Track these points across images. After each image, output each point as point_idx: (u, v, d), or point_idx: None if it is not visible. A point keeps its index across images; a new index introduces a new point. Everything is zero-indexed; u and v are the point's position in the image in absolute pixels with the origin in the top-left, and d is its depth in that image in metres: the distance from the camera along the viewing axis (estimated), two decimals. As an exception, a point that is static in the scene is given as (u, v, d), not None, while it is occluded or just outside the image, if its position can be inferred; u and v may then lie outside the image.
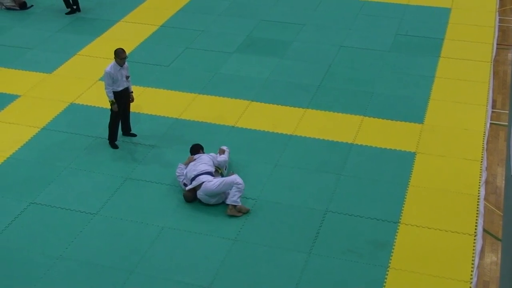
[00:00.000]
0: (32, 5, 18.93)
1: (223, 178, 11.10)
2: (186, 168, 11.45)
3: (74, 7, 18.42)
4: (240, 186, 10.96)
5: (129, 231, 10.68)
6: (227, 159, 11.81)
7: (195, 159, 11.46)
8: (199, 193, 11.10)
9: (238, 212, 10.91)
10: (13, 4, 18.68)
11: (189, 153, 11.92)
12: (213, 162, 11.46)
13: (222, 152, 11.93)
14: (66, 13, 18.31)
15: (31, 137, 13.00)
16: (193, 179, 11.16)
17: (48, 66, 15.67)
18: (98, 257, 10.17)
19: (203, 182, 11.03)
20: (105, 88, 12.25)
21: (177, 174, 11.56)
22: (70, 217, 10.96)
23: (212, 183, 11.00)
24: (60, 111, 13.85)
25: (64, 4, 18.38)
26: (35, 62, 15.88)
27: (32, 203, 11.29)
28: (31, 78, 15.15)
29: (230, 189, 10.98)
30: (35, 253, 10.25)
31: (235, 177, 11.04)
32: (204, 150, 11.89)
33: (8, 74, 15.40)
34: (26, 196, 11.44)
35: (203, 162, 11.34)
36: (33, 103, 14.18)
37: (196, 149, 11.80)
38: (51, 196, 11.45)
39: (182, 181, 11.44)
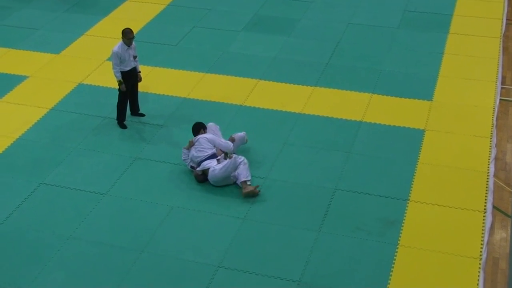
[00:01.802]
0: None
1: (225, 164, 11.01)
2: (189, 152, 11.42)
3: None
4: (243, 161, 11.03)
5: (139, 211, 10.72)
6: (230, 147, 11.44)
7: (194, 143, 11.38)
8: (208, 178, 11.12)
9: (253, 190, 10.85)
10: None
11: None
12: (210, 144, 11.35)
13: (232, 140, 11.65)
14: None
15: (40, 118, 13.02)
16: (199, 164, 11.17)
17: (55, 46, 15.66)
18: (108, 237, 10.22)
19: (208, 169, 11.04)
20: (113, 68, 12.23)
21: (183, 158, 11.55)
22: (80, 197, 11.01)
23: (216, 171, 11.00)
24: (69, 92, 13.86)
25: None
26: (43, 42, 15.88)
27: (41, 183, 11.34)
28: (39, 59, 15.15)
29: (235, 171, 11.00)
30: (46, 233, 10.31)
31: (234, 158, 11.00)
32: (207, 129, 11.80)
33: (16, 55, 15.40)
34: (35, 177, 11.48)
35: (202, 147, 11.24)
36: (42, 84, 14.20)
37: (197, 129, 11.63)
38: (60, 176, 11.49)
39: (189, 164, 11.43)
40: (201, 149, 11.21)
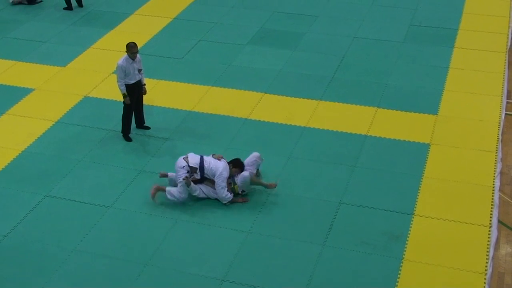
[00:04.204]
0: (41, 0, 18.96)
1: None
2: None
3: (78, 5, 18.41)
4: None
5: (143, 224, 10.72)
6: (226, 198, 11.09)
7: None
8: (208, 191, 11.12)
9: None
10: None
11: (199, 146, 11.92)
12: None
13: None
14: (64, 8, 18.36)
15: (46, 131, 13.05)
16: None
17: (62, 59, 15.73)
18: (112, 249, 10.22)
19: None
20: (117, 81, 12.27)
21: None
22: (85, 210, 11.01)
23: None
24: (74, 104, 13.90)
25: (64, 0, 18.42)
26: (49, 55, 15.95)
27: (47, 196, 11.35)
28: (45, 72, 15.21)
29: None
30: (50, 245, 10.31)
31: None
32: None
33: (22, 67, 15.47)
34: (41, 189, 11.50)
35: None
36: (47, 97, 14.24)
37: (242, 166, 11.14)
38: (65, 189, 11.50)
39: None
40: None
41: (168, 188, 11.04)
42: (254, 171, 11.24)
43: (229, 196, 10.94)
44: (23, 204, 11.16)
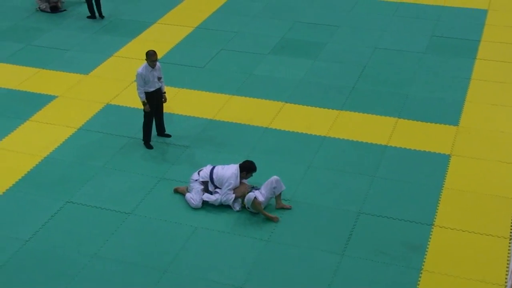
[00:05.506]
0: (65, 9, 19.14)
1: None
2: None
3: (99, 16, 18.56)
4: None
5: (163, 231, 10.78)
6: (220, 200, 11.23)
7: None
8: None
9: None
10: (45, 6, 18.91)
11: (220, 154, 12.00)
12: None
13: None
14: (88, 17, 18.53)
15: (68, 137, 13.18)
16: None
17: (85, 67, 15.88)
18: (132, 256, 10.28)
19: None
20: (137, 89, 12.36)
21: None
22: (105, 216, 11.10)
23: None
24: (96, 112, 14.02)
25: (88, 9, 18.57)
26: (72, 63, 16.10)
27: (68, 202, 11.45)
28: (68, 79, 15.36)
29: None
30: (71, 251, 10.40)
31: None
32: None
33: (46, 75, 15.63)
34: (62, 195, 11.60)
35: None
36: (70, 104, 14.38)
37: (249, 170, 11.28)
38: (86, 195, 11.60)
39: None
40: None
41: (187, 194, 11.33)
42: (265, 196, 11.03)
43: (231, 197, 11.13)
44: (45, 210, 11.27)
